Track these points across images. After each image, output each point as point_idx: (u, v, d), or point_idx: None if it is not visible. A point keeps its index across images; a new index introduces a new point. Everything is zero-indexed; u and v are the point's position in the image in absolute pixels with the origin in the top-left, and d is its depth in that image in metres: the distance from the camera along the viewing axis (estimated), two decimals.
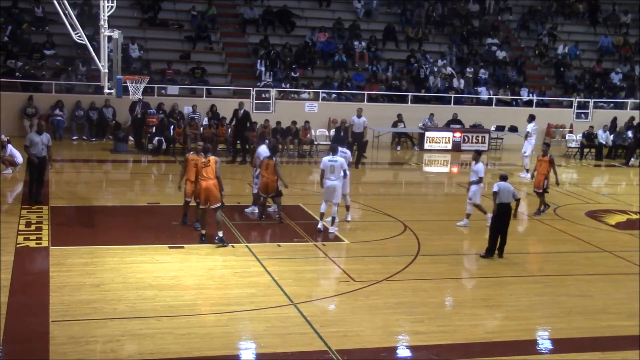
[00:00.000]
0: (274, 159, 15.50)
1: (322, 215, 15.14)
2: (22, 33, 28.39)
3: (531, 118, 23.62)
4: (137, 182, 20.83)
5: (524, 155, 23.27)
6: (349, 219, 16.08)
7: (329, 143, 26.42)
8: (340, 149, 15.97)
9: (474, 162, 16.22)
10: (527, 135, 23.36)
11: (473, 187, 16.05)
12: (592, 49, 36.15)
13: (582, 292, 12.40)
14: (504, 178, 13.98)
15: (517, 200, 14.19)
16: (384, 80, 30.73)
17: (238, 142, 23.39)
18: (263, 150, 15.96)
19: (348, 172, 15.55)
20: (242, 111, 23.26)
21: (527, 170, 22.63)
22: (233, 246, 13.78)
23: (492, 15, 36.43)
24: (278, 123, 25.60)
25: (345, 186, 15.74)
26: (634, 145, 27.89)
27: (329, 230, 15.05)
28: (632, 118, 30.16)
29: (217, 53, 30.89)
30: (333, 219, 15.12)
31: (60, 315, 10.21)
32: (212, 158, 13.78)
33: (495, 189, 13.72)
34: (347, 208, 16.12)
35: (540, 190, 17.53)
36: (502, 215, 13.73)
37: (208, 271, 12.53)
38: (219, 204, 13.73)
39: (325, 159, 15.12)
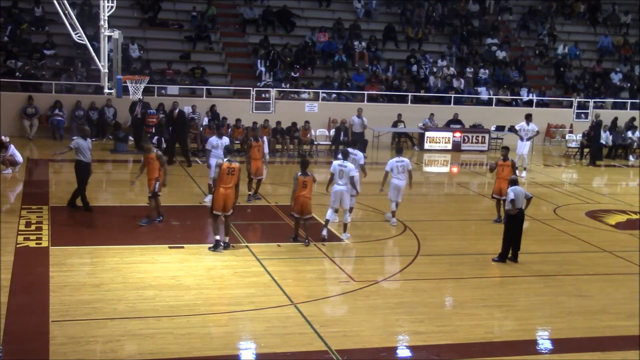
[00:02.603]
0: (309, 174, 14.33)
1: (327, 222, 14.85)
2: (22, 33, 28.37)
3: (525, 118, 23.70)
4: (137, 182, 20.77)
5: (523, 154, 23.30)
6: (349, 220, 16.04)
7: (329, 143, 26.53)
8: (350, 150, 15.70)
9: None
10: (519, 134, 23.50)
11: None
12: (592, 49, 36.13)
13: (582, 292, 12.40)
14: (514, 182, 13.65)
15: (529, 199, 13.86)
16: (384, 80, 30.72)
17: (177, 144, 22.28)
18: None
19: (358, 177, 15.42)
20: (176, 111, 22.69)
21: (525, 169, 23.11)
22: (233, 246, 13.77)
23: (492, 15, 36.41)
24: (278, 123, 25.62)
25: (355, 187, 15.68)
26: (593, 144, 27.49)
27: (343, 237, 14.86)
28: (633, 118, 30.12)
29: (217, 53, 30.88)
30: (345, 225, 14.96)
31: (60, 315, 10.21)
32: (236, 166, 13.47)
33: (511, 196, 13.35)
34: (350, 210, 16.05)
35: (503, 198, 15.57)
36: (517, 220, 13.53)
37: (208, 271, 12.53)
38: (231, 212, 13.67)
39: (336, 162, 14.82)
